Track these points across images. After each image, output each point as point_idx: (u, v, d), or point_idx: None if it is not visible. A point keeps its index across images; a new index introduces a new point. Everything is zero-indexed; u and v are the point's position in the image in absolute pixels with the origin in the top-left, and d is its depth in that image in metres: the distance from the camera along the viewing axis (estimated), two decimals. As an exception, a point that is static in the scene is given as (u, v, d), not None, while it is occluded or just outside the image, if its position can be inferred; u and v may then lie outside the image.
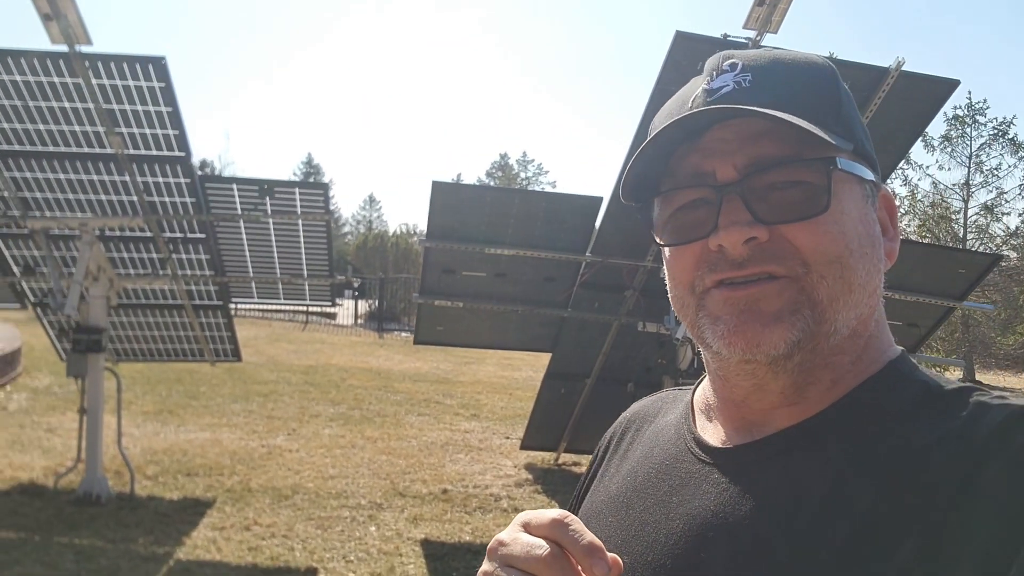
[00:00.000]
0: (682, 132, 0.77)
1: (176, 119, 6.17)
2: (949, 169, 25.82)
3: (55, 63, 5.78)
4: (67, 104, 6.06)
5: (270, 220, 7.00)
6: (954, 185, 25.82)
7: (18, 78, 5.88)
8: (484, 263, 6.98)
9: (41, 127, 6.22)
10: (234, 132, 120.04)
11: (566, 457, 8.77)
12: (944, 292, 7.32)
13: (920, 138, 6.56)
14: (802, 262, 0.73)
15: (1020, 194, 25.19)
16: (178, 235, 7.06)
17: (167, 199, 6.72)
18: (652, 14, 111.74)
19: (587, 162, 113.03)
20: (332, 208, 7.22)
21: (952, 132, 25.46)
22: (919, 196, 25.75)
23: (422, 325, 7.71)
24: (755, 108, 0.73)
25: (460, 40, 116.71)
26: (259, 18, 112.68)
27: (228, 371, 13.37)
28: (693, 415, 0.88)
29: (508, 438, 9.83)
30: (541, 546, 0.67)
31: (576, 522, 0.68)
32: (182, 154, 6.42)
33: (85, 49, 5.63)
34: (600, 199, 6.76)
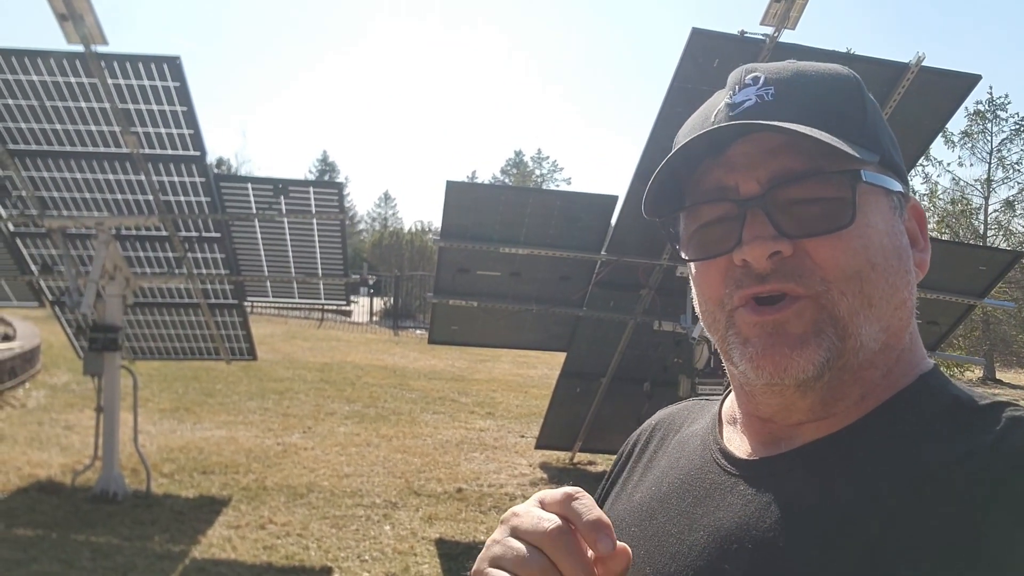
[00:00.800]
0: (705, 147, 0.77)
1: (191, 118, 6.19)
2: (972, 165, 25.63)
3: (71, 63, 5.80)
4: (83, 104, 6.09)
5: (285, 219, 7.01)
6: (975, 181, 25.57)
7: (35, 78, 5.91)
8: (499, 262, 6.95)
9: (58, 127, 6.25)
10: (251, 130, 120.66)
11: (581, 456, 8.73)
12: (965, 289, 7.23)
13: (940, 134, 6.49)
14: (822, 279, 0.73)
15: (1043, 190, 24.90)
16: (193, 234, 7.07)
17: (182, 198, 6.74)
18: (664, 10, 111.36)
19: (600, 159, 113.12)
20: (347, 206, 7.27)
21: (973, 127, 25.21)
22: (939, 193, 25.52)
23: (437, 325, 7.70)
24: (776, 123, 0.72)
25: (474, 39, 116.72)
26: (279, 18, 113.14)
27: (244, 369, 13.42)
28: (720, 426, 0.87)
29: (523, 437, 9.81)
30: (550, 520, 0.68)
31: (586, 498, 0.69)
32: (197, 153, 6.43)
33: (101, 49, 5.65)
34: (615, 197, 6.72)
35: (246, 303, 8.04)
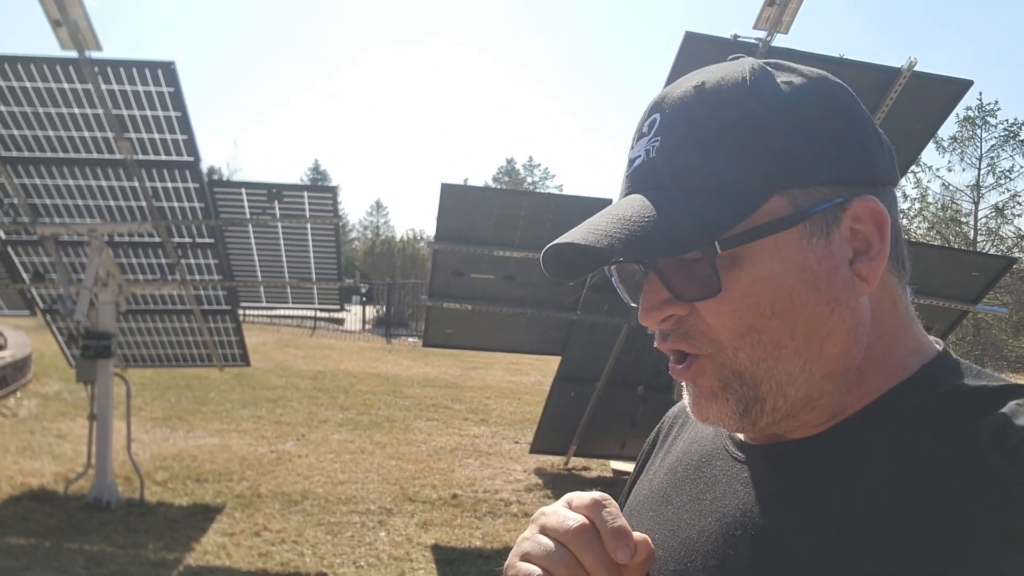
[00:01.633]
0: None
1: (185, 124, 6.17)
2: (963, 170, 25.77)
3: (64, 69, 5.79)
4: (76, 110, 6.07)
5: (279, 224, 7.00)
6: (965, 187, 25.73)
7: (28, 84, 5.89)
8: (493, 265, 6.95)
9: (51, 133, 6.23)
10: (242, 139, 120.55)
11: (576, 461, 8.72)
12: (958, 295, 7.26)
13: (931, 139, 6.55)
14: (712, 340, 0.72)
15: (1033, 196, 25.06)
16: (187, 240, 7.05)
17: (176, 204, 6.72)
18: (652, 15, 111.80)
19: (590, 164, 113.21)
20: (340, 213, 7.22)
21: (963, 134, 25.37)
22: (929, 198, 25.67)
23: (431, 328, 7.69)
24: (591, 246, 0.71)
25: (465, 47, 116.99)
26: (270, 28, 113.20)
27: (237, 377, 13.37)
28: None
29: (517, 443, 9.79)
30: (575, 519, 0.71)
31: (612, 505, 0.72)
32: (191, 159, 6.42)
33: (94, 55, 5.64)
34: (609, 201, 6.73)
35: (239, 310, 8.02)
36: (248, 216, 6.91)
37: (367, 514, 6.66)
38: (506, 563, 0.74)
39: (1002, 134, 25.14)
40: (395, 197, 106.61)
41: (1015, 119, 25.84)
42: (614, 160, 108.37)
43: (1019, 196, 25.00)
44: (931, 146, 24.53)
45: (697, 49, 5.27)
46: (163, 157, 6.39)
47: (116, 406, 6.93)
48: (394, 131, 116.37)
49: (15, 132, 6.24)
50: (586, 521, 0.71)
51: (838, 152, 0.72)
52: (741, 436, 0.81)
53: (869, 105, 5.80)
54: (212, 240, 7.06)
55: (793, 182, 0.71)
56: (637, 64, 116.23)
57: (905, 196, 24.66)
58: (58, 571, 5.14)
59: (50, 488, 6.92)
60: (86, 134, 6.24)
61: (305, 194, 6.97)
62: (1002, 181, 25.19)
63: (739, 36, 5.12)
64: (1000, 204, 25.02)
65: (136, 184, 6.53)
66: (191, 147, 6.35)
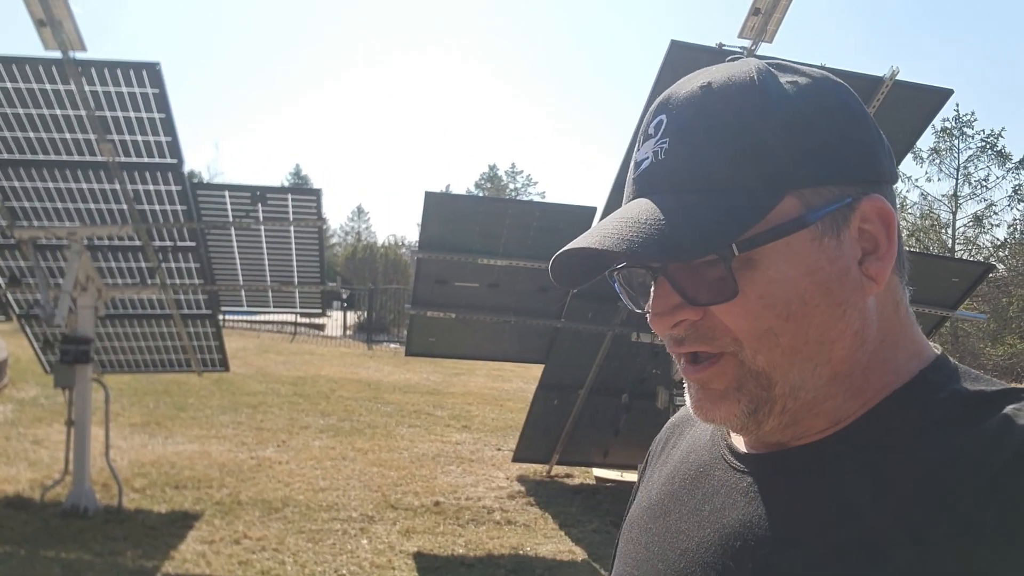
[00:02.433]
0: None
1: (169, 126, 6.11)
2: (939, 180, 26.06)
3: (47, 69, 5.71)
4: (58, 111, 5.99)
5: (262, 227, 6.95)
6: (943, 196, 26.03)
7: (8, 85, 5.81)
8: (477, 273, 6.94)
9: (31, 135, 6.15)
10: (223, 143, 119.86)
11: (559, 469, 8.71)
12: (937, 301, 7.32)
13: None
14: (733, 339, 0.72)
15: (1009, 206, 25.42)
16: (168, 243, 6.98)
17: (157, 207, 6.65)
18: (628, 22, 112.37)
19: (572, 169, 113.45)
20: (323, 216, 7.20)
21: (940, 144, 25.68)
22: (908, 207, 25.95)
23: (414, 336, 7.65)
24: (608, 250, 0.70)
25: (446, 54, 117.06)
26: (249, 32, 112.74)
27: (216, 382, 13.26)
28: None
29: (500, 450, 9.76)
30: None
31: None
32: (174, 161, 6.35)
33: (79, 55, 5.57)
34: (594, 209, 6.73)
35: (220, 314, 7.94)
36: (231, 219, 6.85)
37: (349, 521, 6.61)
38: None
39: (979, 144, 25.49)
40: (376, 202, 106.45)
41: (992, 130, 26.23)
42: (597, 167, 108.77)
43: (995, 206, 25.34)
44: (909, 157, 24.81)
45: (682, 57, 5.29)
46: (146, 159, 6.32)
47: (94, 412, 6.85)
48: (375, 136, 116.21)
49: (-6, 133, 6.15)
50: None
51: (845, 151, 0.72)
52: (741, 446, 0.81)
53: (852, 115, 5.83)
54: (194, 243, 6.99)
55: (804, 182, 0.71)
56: (620, 71, 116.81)
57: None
58: (34, 579, 5.06)
59: (26, 495, 6.82)
60: (67, 136, 6.16)
61: (289, 197, 6.92)
62: (978, 191, 25.54)
63: (724, 45, 5.14)
64: (979, 213, 25.35)
65: (117, 187, 6.46)
66: (175, 149, 6.28)
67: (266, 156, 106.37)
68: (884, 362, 0.75)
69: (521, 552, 6.16)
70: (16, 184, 6.46)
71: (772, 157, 0.70)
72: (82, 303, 6.54)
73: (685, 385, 0.78)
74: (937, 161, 25.76)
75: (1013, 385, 0.72)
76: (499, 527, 6.72)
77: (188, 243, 6.98)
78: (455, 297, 7.11)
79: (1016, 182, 25.29)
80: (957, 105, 25.81)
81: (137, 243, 6.93)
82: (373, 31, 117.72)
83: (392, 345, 23.22)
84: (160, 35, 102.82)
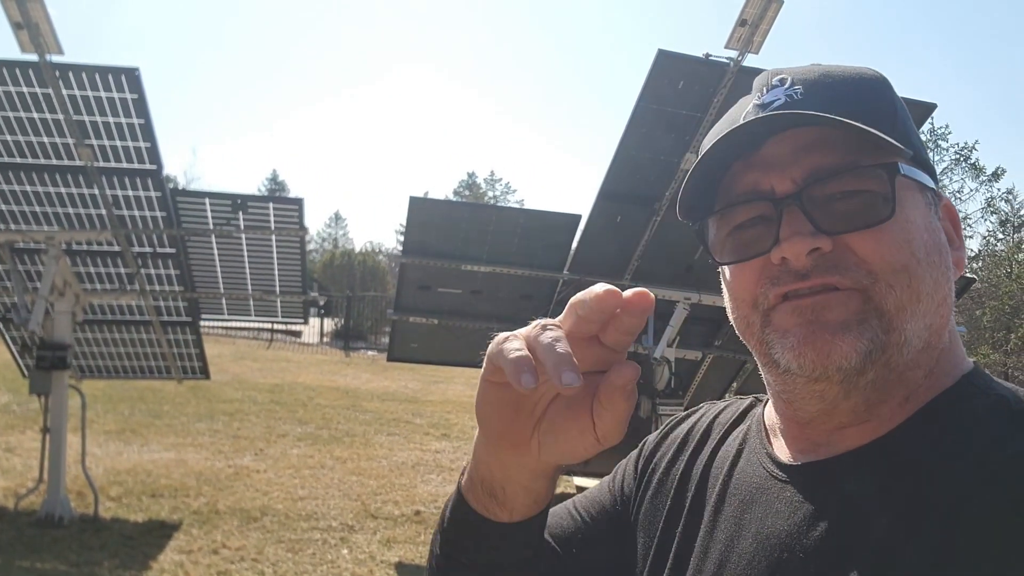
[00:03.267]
0: (735, 148, 0.75)
1: (148, 131, 6.05)
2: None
3: (24, 72, 5.64)
4: (36, 115, 5.91)
5: (243, 235, 6.89)
6: (916, 208, 26.40)
7: (-15, 87, 5.73)
8: (460, 280, 6.91)
9: (8, 138, 6.06)
10: (200, 148, 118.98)
11: (539, 477, 8.68)
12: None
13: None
14: (868, 272, 0.70)
15: (982, 218, 25.79)
16: (147, 250, 6.90)
17: (137, 213, 6.57)
18: (608, 31, 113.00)
19: (550, 178, 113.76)
20: (305, 225, 7.13)
21: (914, 157, 26.08)
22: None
23: (396, 342, 7.61)
24: (812, 112, 0.71)
25: (424, 62, 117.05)
26: (224, 35, 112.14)
27: (192, 389, 13.11)
28: (765, 430, 0.85)
29: (480, 458, 9.72)
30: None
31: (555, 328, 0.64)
32: (153, 167, 6.29)
33: (56, 59, 5.51)
34: (578, 216, 6.73)
35: (200, 322, 7.86)
36: (211, 226, 6.79)
37: (328, 531, 6.55)
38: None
39: (953, 157, 25.88)
40: (354, 209, 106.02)
41: (965, 143, 26.65)
42: (575, 176, 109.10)
43: (969, 218, 25.70)
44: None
45: (669, 66, 5.31)
46: (125, 164, 6.25)
47: (69, 419, 6.75)
48: (353, 143, 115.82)
49: (-30, 136, 6.06)
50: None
51: (927, 150, 0.81)
52: (783, 456, 0.79)
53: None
54: (174, 250, 6.92)
55: (917, 158, 0.77)
56: (599, 80, 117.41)
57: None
58: (8, 590, 4.97)
59: (-1, 504, 6.71)
60: (45, 139, 6.08)
61: (270, 205, 6.87)
62: (952, 203, 25.93)
63: (710, 55, 5.18)
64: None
65: (96, 191, 6.38)
66: (154, 155, 6.22)
67: (243, 162, 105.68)
68: (951, 352, 0.77)
69: (503, 561, 6.12)
70: (-8, 187, 6.36)
71: (899, 120, 0.76)
72: (60, 308, 6.45)
73: (779, 333, 0.73)
74: (912, 173, 26.16)
75: None
76: (480, 536, 6.68)
77: (168, 249, 6.91)
78: (438, 303, 7.07)
79: (989, 194, 25.76)
80: (932, 118, 26.19)
81: (116, 248, 6.85)
82: (352, 42, 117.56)
83: (370, 352, 23.12)
84: (140, 41, 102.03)
